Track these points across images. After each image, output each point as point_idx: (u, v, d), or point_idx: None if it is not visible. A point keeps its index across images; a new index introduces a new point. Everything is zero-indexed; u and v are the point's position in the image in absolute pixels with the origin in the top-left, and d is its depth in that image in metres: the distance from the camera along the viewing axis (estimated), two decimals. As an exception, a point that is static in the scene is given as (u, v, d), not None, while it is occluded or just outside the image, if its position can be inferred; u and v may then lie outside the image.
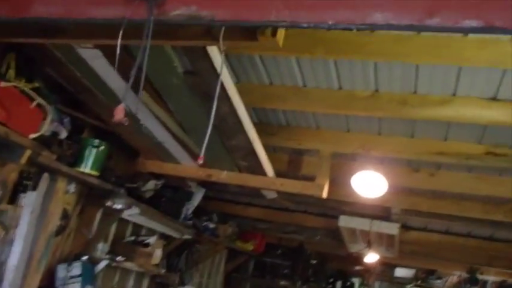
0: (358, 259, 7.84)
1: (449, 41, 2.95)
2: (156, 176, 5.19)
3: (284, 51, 3.07)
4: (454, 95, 3.54)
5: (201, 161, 2.56)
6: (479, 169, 4.64)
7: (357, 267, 8.63)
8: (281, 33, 2.53)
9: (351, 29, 1.58)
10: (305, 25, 1.57)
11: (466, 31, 1.41)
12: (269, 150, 4.59)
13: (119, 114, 1.57)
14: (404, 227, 6.42)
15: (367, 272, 8.91)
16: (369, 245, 6.56)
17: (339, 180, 4.93)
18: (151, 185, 5.27)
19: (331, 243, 7.32)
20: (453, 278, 8.37)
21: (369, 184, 4.55)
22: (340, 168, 4.88)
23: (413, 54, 3.05)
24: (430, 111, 3.59)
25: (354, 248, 7.08)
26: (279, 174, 4.82)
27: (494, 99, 3.48)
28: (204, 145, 2.45)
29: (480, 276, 7.53)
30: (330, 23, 1.55)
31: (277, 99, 3.93)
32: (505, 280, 7.69)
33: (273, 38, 2.50)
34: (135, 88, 1.85)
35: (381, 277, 9.30)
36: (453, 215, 5.55)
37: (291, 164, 5.05)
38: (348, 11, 1.53)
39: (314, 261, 8.66)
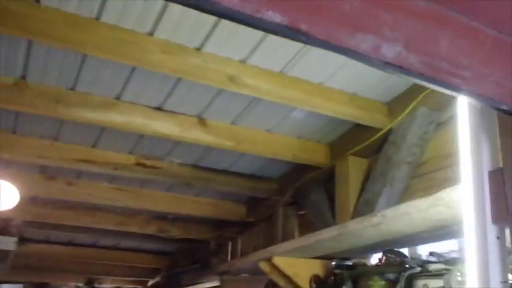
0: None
1: (135, 38, 2.47)
2: None
3: None
4: (118, 98, 3.06)
5: None
6: (120, 180, 4.30)
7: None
8: None
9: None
10: None
11: (264, 25, 0.93)
12: None
13: None
14: (22, 240, 5.51)
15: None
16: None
17: None
18: None
19: None
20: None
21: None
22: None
23: (90, 45, 2.40)
24: (90, 113, 2.99)
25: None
26: None
27: (159, 109, 3.17)
28: None
29: (98, 286, 7.27)
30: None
31: None
32: (119, 287, 7.67)
33: None
34: None
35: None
36: (82, 226, 5.08)
37: None
38: None
39: None
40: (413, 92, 2.95)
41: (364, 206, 3.10)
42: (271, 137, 3.43)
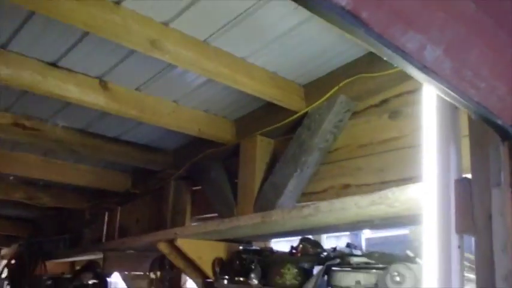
0: None
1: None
2: None
3: None
4: (5, 47, 2.57)
5: None
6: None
7: None
8: None
9: None
10: None
11: (326, 6, 0.74)
12: None
13: None
14: None
15: None
16: None
17: None
18: None
19: None
20: None
21: None
22: None
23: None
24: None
25: None
26: None
27: (54, 64, 2.73)
28: None
29: None
30: None
31: None
32: None
33: None
34: None
35: None
36: None
37: None
38: None
39: None
40: (331, 77, 2.91)
41: (271, 189, 3.03)
42: (177, 108, 3.17)
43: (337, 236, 3.78)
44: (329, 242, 3.18)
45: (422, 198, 1.54)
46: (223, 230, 2.44)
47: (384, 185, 2.67)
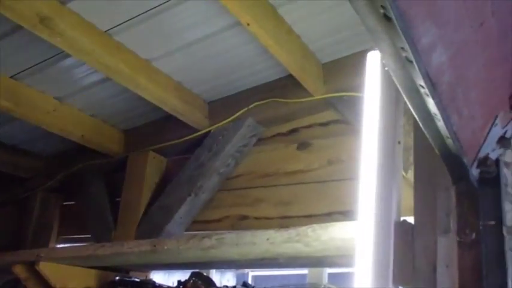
0: None
1: None
2: None
3: None
4: None
5: None
6: None
7: None
8: None
9: None
10: None
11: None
12: None
13: None
14: None
15: None
16: None
17: None
18: None
19: None
20: None
21: None
22: None
23: None
24: None
25: None
26: None
27: None
28: None
29: None
30: None
31: None
32: None
33: None
34: None
35: None
36: None
37: None
38: None
39: None
40: (241, 97, 2.68)
41: (160, 213, 2.68)
42: (60, 107, 2.72)
43: (222, 272, 3.48)
44: (215, 278, 2.88)
45: (353, 239, 1.34)
46: (101, 255, 2.03)
47: (286, 220, 2.47)
